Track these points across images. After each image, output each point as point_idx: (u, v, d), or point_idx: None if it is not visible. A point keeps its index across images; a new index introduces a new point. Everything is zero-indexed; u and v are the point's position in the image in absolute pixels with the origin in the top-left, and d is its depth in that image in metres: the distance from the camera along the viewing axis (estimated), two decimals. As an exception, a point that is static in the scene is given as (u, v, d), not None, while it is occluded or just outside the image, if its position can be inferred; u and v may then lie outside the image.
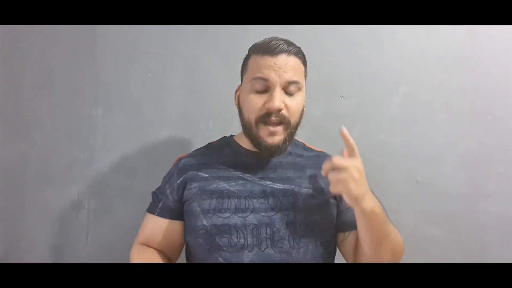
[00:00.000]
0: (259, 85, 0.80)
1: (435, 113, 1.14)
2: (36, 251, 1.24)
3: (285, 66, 0.79)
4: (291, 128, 0.82)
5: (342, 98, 1.18)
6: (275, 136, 0.81)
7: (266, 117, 0.80)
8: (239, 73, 0.90)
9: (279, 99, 0.78)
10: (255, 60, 0.82)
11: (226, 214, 0.81)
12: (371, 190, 0.76)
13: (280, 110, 0.79)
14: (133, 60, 1.23)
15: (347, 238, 0.87)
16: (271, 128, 0.80)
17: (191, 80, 1.22)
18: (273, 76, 0.78)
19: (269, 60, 0.79)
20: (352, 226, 0.84)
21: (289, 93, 0.81)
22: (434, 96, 1.14)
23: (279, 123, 0.80)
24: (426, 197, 1.14)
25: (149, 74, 1.23)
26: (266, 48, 0.80)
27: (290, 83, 0.79)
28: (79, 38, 1.24)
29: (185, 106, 1.22)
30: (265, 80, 0.79)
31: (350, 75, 1.17)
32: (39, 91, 1.25)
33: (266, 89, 0.80)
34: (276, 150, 0.82)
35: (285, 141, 0.82)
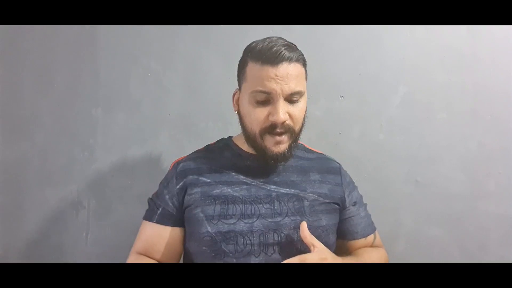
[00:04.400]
0: (260, 98, 0.77)
1: (435, 113, 1.14)
2: (36, 251, 1.24)
3: (286, 76, 0.76)
4: (295, 135, 0.82)
5: (342, 98, 1.18)
6: (281, 144, 0.80)
7: (271, 129, 0.79)
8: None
9: (283, 111, 0.77)
10: (254, 69, 0.78)
11: (232, 221, 0.79)
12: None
13: (284, 122, 0.78)
14: (133, 60, 1.23)
15: (345, 245, 0.90)
16: (278, 138, 0.79)
17: (191, 80, 1.22)
18: (275, 89, 0.76)
19: (269, 71, 0.75)
20: (351, 236, 0.90)
21: (292, 102, 0.79)
22: (434, 97, 1.14)
23: (284, 132, 0.80)
24: (426, 197, 1.14)
25: (149, 74, 1.23)
26: (266, 57, 0.76)
27: (293, 94, 0.77)
28: (79, 38, 1.24)
29: (185, 106, 1.22)
30: (267, 93, 0.77)
31: (350, 75, 1.17)
32: (39, 91, 1.25)
33: (269, 100, 0.78)
34: (282, 158, 0.81)
35: (290, 148, 0.82)
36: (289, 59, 0.76)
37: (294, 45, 0.82)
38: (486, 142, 1.12)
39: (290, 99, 0.78)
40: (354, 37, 1.17)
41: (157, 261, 0.85)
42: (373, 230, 0.94)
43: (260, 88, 0.77)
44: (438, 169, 1.14)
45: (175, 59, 1.22)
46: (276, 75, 0.75)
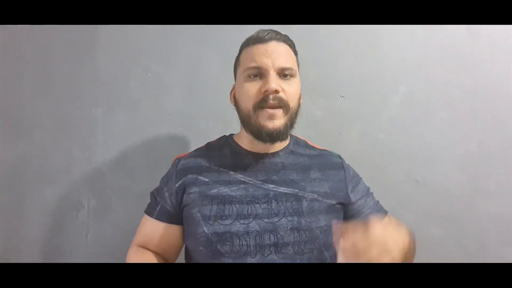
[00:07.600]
0: (252, 72, 0.81)
1: (435, 113, 1.14)
2: (36, 251, 1.24)
3: (276, 52, 0.80)
4: (290, 113, 0.81)
5: (342, 98, 1.18)
6: (275, 120, 0.79)
7: (264, 102, 0.78)
8: (237, 73, 0.90)
9: (275, 81, 0.78)
10: (246, 52, 0.83)
11: (228, 221, 0.78)
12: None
13: (277, 91, 0.78)
14: (133, 60, 1.23)
15: None
16: (270, 111, 0.78)
17: (191, 80, 1.22)
18: (265, 62, 0.79)
19: (260, 47, 0.80)
20: None
21: (283, 78, 0.81)
22: (434, 96, 1.14)
23: (278, 106, 0.79)
24: (426, 197, 1.14)
25: (149, 74, 1.23)
26: (255, 38, 0.82)
27: (283, 69, 0.80)
28: (79, 38, 1.24)
29: (185, 106, 1.22)
30: (258, 68, 0.80)
31: (350, 75, 1.17)
32: (39, 91, 1.25)
33: (261, 76, 0.80)
34: (277, 135, 0.79)
35: (286, 126, 0.80)
36: (278, 39, 0.82)
37: (286, 35, 0.86)
38: (486, 142, 1.12)
39: (282, 73, 0.81)
40: (354, 37, 1.17)
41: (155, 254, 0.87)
42: (385, 212, 0.91)
43: (252, 64, 0.80)
44: (438, 169, 1.14)
45: (175, 59, 1.22)
46: (266, 50, 0.80)
